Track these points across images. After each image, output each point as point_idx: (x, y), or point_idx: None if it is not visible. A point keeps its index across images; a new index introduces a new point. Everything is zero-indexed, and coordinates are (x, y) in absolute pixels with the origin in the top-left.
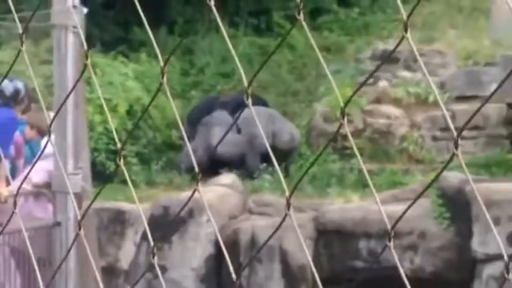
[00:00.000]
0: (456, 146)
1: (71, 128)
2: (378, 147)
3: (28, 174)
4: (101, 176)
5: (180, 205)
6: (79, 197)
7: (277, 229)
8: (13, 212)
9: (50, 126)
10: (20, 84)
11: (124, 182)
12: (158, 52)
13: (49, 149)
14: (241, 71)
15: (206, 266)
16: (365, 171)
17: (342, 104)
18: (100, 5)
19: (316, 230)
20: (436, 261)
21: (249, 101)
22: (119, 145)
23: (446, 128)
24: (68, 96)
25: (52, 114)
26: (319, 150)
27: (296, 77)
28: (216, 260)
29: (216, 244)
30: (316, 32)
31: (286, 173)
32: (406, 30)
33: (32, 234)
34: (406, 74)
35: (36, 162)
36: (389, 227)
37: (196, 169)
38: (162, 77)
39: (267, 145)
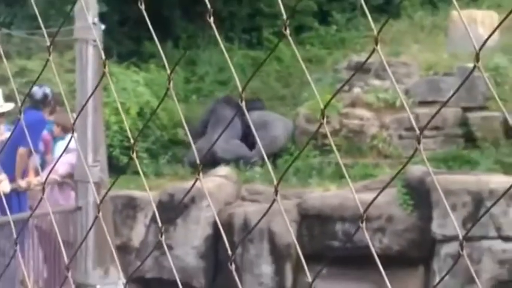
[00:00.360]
0: (419, 142)
1: (91, 127)
2: (352, 144)
3: (54, 166)
4: (116, 168)
5: (184, 193)
6: (97, 186)
7: (267, 211)
8: (41, 198)
9: (74, 124)
10: (47, 90)
11: (136, 173)
12: (166, 62)
13: (72, 144)
14: (237, 79)
15: (205, 245)
16: (341, 165)
17: (321, 107)
18: (116, 22)
19: (300, 214)
20: (401, 241)
21: (243, 104)
22: (132, 141)
23: (410, 128)
24: (88, 100)
25: (75, 115)
26: (302, 147)
27: (283, 84)
28: (214, 240)
29: (214, 226)
30: (300, 45)
31: (274, 165)
32: (376, 44)
33: (56, 217)
34: (376, 82)
35: (61, 156)
36: (362, 211)
37: (198, 161)
38: (169, 83)
39: (260, 145)
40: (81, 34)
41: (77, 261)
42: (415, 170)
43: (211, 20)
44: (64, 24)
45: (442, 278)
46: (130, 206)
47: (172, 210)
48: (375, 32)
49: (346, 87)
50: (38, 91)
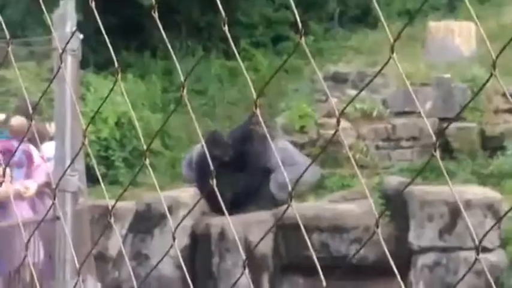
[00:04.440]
0: (435, 149)
1: (69, 136)
2: (328, 155)
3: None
4: (92, 178)
5: (160, 202)
6: (75, 195)
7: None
8: (53, 203)
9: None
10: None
11: (112, 183)
12: (178, 65)
13: (49, 153)
14: (251, 83)
15: (182, 255)
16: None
17: (337, 114)
18: (93, 31)
19: (276, 224)
20: (378, 251)
21: (257, 111)
22: (144, 146)
23: (387, 139)
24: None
25: (53, 124)
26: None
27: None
28: (190, 250)
29: (191, 236)
30: (276, 56)
31: None
32: (392, 52)
33: (34, 227)
34: (353, 92)
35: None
36: (375, 213)
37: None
38: (183, 90)
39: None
40: (60, 43)
41: (55, 271)
42: (392, 180)
43: (226, 28)
44: (42, 34)
45: (462, 278)
46: (107, 216)
47: (149, 220)
48: (391, 40)
49: (323, 98)
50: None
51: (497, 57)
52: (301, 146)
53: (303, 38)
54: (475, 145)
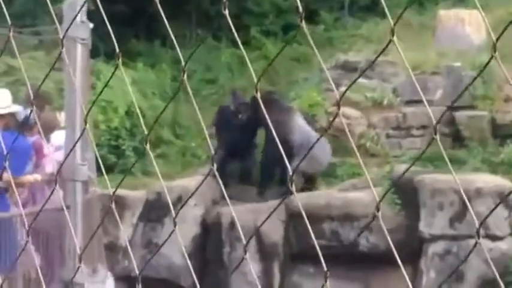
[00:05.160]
0: (435, 132)
1: (79, 125)
2: (339, 143)
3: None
4: (103, 167)
5: (171, 191)
6: (85, 184)
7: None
8: (53, 190)
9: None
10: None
11: (123, 171)
12: (180, 55)
13: (60, 142)
14: (252, 71)
15: (193, 244)
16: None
17: (337, 97)
18: (102, 20)
19: (287, 213)
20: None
21: (258, 94)
22: (145, 131)
23: (397, 127)
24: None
25: (63, 114)
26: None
27: (269, 83)
28: (201, 239)
29: (201, 225)
30: (287, 44)
31: None
32: (393, 35)
33: (44, 216)
34: (363, 81)
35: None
36: (377, 199)
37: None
38: (183, 75)
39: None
40: (70, 32)
41: (65, 259)
42: (402, 168)
43: (227, 12)
44: (51, 23)
45: (464, 261)
46: (118, 205)
47: (159, 209)
48: (391, 23)
49: (332, 86)
50: (22, 113)
51: (497, 39)
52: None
53: (303, 22)
54: (485, 133)
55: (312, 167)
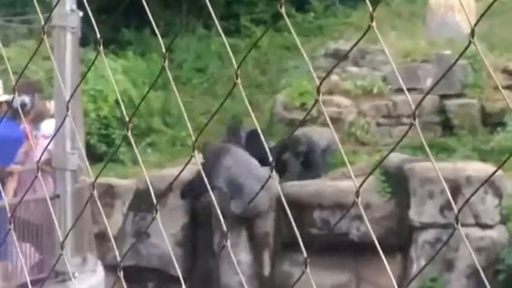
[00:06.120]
0: (414, 118)
1: (69, 114)
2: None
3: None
4: (93, 156)
5: (161, 180)
6: (75, 173)
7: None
8: (34, 179)
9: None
10: (26, 99)
11: (113, 161)
12: (161, 40)
13: (50, 130)
14: (233, 58)
15: (182, 232)
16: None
17: (317, 83)
18: (94, 9)
19: (278, 202)
20: (379, 228)
21: (238, 81)
22: (127, 118)
23: (388, 115)
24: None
25: (53, 102)
26: (279, 135)
27: (260, 72)
28: (190, 227)
29: (191, 214)
30: (277, 33)
31: None
32: (372, 21)
33: (34, 205)
34: (354, 69)
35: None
36: (357, 185)
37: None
38: (164, 61)
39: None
40: (60, 21)
41: (55, 249)
42: (393, 157)
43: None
44: (42, 12)
45: (445, 243)
46: (108, 194)
47: (150, 198)
48: (370, 9)
49: (323, 75)
50: (16, 100)
51: (475, 24)
52: (301, 123)
53: (283, 7)
54: (475, 121)
55: (243, 208)
